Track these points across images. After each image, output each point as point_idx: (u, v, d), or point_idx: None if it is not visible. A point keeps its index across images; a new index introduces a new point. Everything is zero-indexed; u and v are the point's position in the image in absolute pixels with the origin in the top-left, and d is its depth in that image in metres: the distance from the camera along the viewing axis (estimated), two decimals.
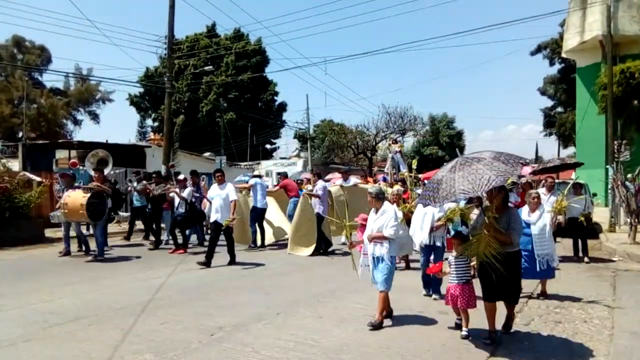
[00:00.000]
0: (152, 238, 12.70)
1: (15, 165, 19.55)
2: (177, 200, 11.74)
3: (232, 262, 9.99)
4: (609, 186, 16.20)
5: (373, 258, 5.76)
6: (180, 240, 11.93)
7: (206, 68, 36.15)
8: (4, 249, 11.71)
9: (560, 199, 9.12)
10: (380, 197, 5.89)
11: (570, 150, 38.22)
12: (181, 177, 12.18)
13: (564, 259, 10.30)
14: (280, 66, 59.30)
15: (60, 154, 23.61)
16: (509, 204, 7.42)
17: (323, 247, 11.77)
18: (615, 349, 5.00)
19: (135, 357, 4.67)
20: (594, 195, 15.79)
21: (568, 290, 7.67)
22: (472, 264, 5.37)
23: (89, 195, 10.46)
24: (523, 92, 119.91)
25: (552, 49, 37.25)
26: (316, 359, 4.67)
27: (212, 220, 10.11)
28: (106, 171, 12.78)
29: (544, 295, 7.20)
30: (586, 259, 10.44)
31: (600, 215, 15.89)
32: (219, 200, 9.89)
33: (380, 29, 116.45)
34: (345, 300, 6.98)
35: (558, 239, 12.45)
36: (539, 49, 39.17)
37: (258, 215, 12.45)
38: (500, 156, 4.67)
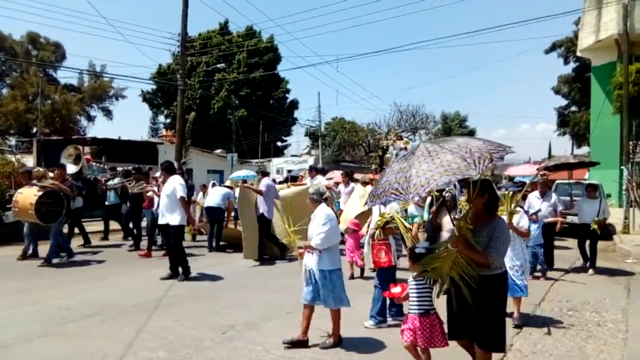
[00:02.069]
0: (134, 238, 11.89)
1: (29, 160, 19.76)
2: (156, 199, 10.47)
3: (173, 276, 8.28)
4: (624, 187, 16.03)
5: (306, 270, 5.02)
6: (159, 242, 11.27)
7: (218, 65, 36.36)
8: (14, 245, 11.50)
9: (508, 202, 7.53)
10: (316, 199, 5.13)
11: (584, 149, 37.84)
12: (157, 174, 11.13)
13: (568, 270, 9.58)
14: (292, 64, 59.37)
15: None
16: (503, 211, 7.09)
17: (279, 253, 10.58)
18: (630, 353, 4.96)
19: (148, 354, 4.71)
20: (608, 196, 15.65)
21: (581, 293, 7.62)
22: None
23: (40, 194, 9.26)
24: (536, 91, 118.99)
25: (566, 47, 36.88)
26: (328, 358, 4.69)
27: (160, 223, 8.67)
28: (74, 169, 11.67)
29: (517, 319, 5.85)
30: (591, 271, 9.22)
31: (614, 216, 15.73)
32: (164, 200, 8.42)
33: (393, 27, 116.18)
34: (355, 300, 6.95)
35: (558, 242, 11.79)
36: (553, 48, 38.80)
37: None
38: (466, 146, 3.35)
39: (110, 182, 12.87)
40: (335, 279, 4.94)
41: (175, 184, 8.21)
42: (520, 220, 6.04)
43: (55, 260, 9.56)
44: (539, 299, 7.14)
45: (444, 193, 7.34)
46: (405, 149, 15.83)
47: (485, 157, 3.18)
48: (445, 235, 6.90)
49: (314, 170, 12.56)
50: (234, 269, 9.49)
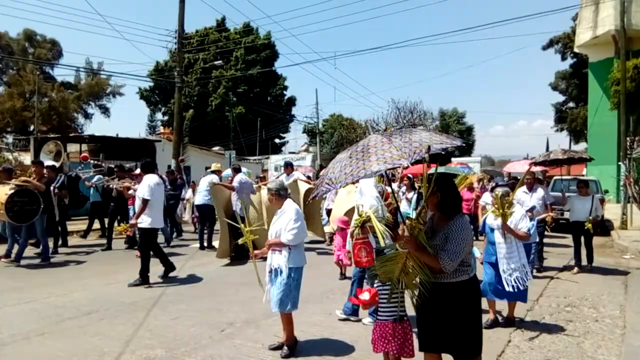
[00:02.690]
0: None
1: (27, 158, 19.70)
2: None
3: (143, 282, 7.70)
4: (621, 183, 16.05)
5: (270, 270, 4.74)
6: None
7: (216, 63, 36.28)
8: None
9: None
10: (282, 194, 4.86)
11: (582, 145, 37.91)
12: (137, 171, 10.72)
13: (563, 268, 9.31)
14: (290, 61, 59.29)
15: (72, 148, 23.78)
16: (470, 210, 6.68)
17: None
18: (627, 349, 4.96)
19: (146, 352, 4.71)
20: (606, 192, 15.67)
21: (579, 289, 7.63)
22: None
23: (11, 193, 8.86)
24: (534, 87, 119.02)
25: (564, 43, 36.87)
26: (327, 356, 4.69)
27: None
28: (47, 164, 11.14)
29: (509, 321, 5.74)
30: (590, 266, 9.19)
31: (612, 212, 15.77)
32: (137, 200, 8.18)
33: (390, 24, 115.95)
34: (341, 300, 6.98)
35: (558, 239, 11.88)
36: (550, 44, 38.78)
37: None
38: (409, 137, 3.09)
39: (88, 178, 12.37)
40: (298, 277, 4.73)
41: (143, 184, 7.82)
42: (520, 222, 5.66)
43: (25, 262, 9.37)
44: (536, 295, 7.15)
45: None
46: None
47: (423, 147, 2.91)
48: None
49: (289, 167, 12.06)
50: (231, 266, 9.47)
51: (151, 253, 7.88)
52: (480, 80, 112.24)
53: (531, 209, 8.64)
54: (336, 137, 45.85)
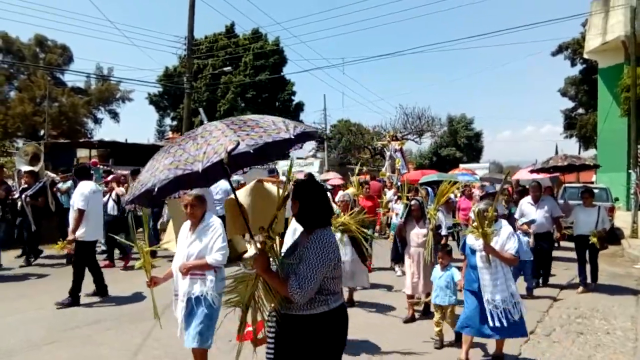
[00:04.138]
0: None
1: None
2: (110, 202, 9.92)
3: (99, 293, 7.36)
4: (632, 191, 15.90)
5: (188, 300, 3.96)
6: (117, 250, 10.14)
7: (225, 69, 36.40)
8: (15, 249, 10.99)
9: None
10: (202, 200, 4.00)
11: (591, 152, 37.60)
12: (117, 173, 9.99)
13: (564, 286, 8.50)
14: (298, 67, 59.43)
15: (81, 153, 23.94)
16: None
17: None
18: None
19: None
20: (616, 199, 15.52)
21: (589, 300, 7.55)
22: None
23: None
24: (542, 93, 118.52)
25: (573, 49, 36.65)
26: None
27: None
28: (27, 170, 10.30)
29: (497, 358, 4.93)
30: (594, 285, 8.32)
31: (623, 220, 15.62)
32: (71, 211, 7.11)
33: (399, 30, 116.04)
34: (364, 305, 6.94)
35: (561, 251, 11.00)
36: (560, 50, 38.57)
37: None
38: (210, 133, 2.52)
39: (61, 185, 11.12)
40: (219, 305, 3.93)
41: (76, 193, 6.99)
42: (506, 242, 4.65)
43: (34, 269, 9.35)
44: (546, 306, 7.09)
45: (410, 200, 6.67)
46: (401, 150, 14.78)
47: (217, 149, 2.33)
48: (413, 251, 6.37)
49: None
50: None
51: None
52: (489, 86, 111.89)
53: (529, 222, 8.05)
54: (344, 142, 45.83)
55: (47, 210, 10.28)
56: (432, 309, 5.82)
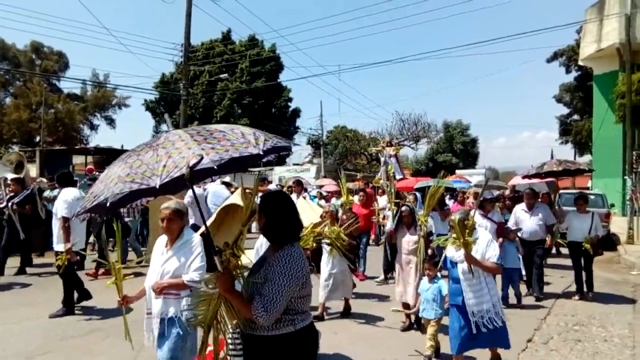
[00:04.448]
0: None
1: (33, 170, 19.78)
2: None
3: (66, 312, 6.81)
4: (627, 197, 15.96)
5: (162, 320, 3.65)
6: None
7: (222, 76, 36.48)
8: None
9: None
10: (181, 214, 3.70)
11: (587, 158, 37.76)
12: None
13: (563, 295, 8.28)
14: (295, 74, 59.36)
15: (77, 160, 23.92)
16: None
17: None
18: None
19: None
20: (612, 205, 15.57)
21: (586, 307, 7.55)
22: None
23: None
24: (537, 99, 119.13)
25: (568, 56, 36.84)
26: None
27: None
28: (13, 177, 10.20)
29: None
30: (591, 294, 8.16)
31: (619, 225, 15.66)
32: (54, 220, 6.87)
33: (395, 38, 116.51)
34: (356, 315, 6.92)
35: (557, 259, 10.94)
36: (555, 56, 38.77)
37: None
38: (172, 145, 2.35)
39: (48, 193, 11.06)
40: (191, 331, 3.60)
41: (59, 200, 6.72)
42: (487, 251, 4.49)
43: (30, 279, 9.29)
44: (544, 314, 7.08)
45: (400, 206, 6.46)
46: (396, 155, 14.57)
47: (178, 163, 2.16)
48: (404, 259, 6.25)
49: (300, 185, 10.34)
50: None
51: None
52: (484, 93, 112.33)
53: (516, 231, 8.00)
54: (340, 148, 45.89)
55: (36, 218, 10.14)
56: (423, 322, 5.66)
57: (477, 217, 7.36)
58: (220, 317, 2.72)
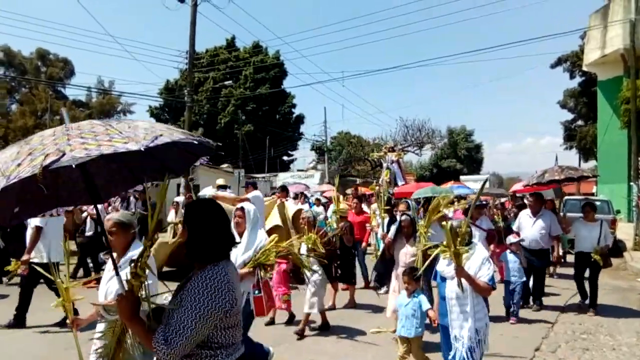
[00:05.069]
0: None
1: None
2: (89, 221, 9.91)
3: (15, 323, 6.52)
4: (633, 203, 15.89)
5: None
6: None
7: (226, 83, 36.63)
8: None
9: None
10: (125, 226, 3.29)
11: (592, 163, 37.67)
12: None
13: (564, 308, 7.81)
14: (299, 80, 59.70)
15: None
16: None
17: None
18: None
19: None
20: (618, 212, 15.49)
21: (594, 315, 7.48)
22: None
23: None
24: (541, 104, 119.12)
25: (572, 61, 36.83)
26: None
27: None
28: None
29: None
30: (591, 312, 7.46)
31: (624, 231, 15.57)
32: (28, 230, 6.76)
33: (399, 44, 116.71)
34: (362, 323, 6.90)
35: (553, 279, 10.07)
36: (559, 62, 38.75)
37: None
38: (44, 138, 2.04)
39: None
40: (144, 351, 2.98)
41: None
42: (480, 269, 3.93)
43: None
44: (551, 322, 7.04)
45: (399, 215, 6.21)
46: (398, 162, 14.29)
47: (35, 161, 1.80)
48: (400, 272, 5.58)
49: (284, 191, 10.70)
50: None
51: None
52: (489, 99, 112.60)
53: (517, 243, 7.45)
54: (344, 154, 45.94)
55: (19, 226, 9.96)
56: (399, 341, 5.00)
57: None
58: (127, 348, 2.36)
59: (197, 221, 2.20)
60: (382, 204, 7.75)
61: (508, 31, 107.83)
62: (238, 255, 4.27)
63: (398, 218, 6.86)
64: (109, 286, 3.23)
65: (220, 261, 2.15)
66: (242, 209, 4.54)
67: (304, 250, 5.92)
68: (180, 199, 10.63)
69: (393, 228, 6.42)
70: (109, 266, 3.28)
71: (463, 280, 3.81)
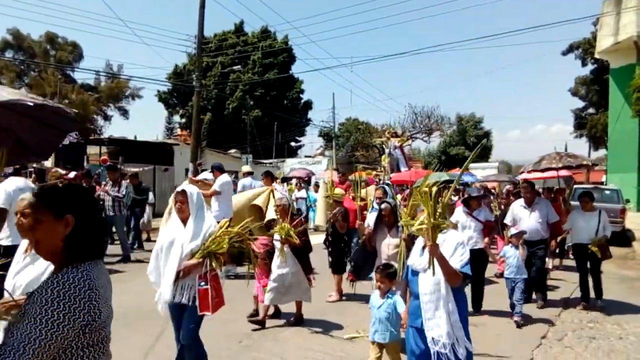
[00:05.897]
0: None
1: (48, 161, 19.97)
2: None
3: None
4: None
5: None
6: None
7: (234, 68, 36.57)
8: None
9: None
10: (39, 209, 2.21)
11: (602, 152, 37.38)
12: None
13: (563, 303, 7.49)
14: (308, 65, 59.35)
15: (91, 150, 24.11)
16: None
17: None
18: None
19: None
20: (627, 201, 15.39)
21: (602, 303, 7.46)
22: None
23: None
24: (553, 92, 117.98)
25: (584, 49, 36.39)
26: None
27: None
28: None
29: None
30: (600, 302, 7.22)
31: (633, 221, 15.49)
32: None
33: (408, 30, 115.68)
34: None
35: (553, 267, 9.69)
36: (570, 49, 38.31)
37: None
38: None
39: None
40: None
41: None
42: (454, 254, 3.50)
43: None
44: (558, 310, 7.04)
45: (376, 204, 5.75)
46: (401, 147, 13.91)
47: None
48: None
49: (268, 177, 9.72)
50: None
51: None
52: (498, 85, 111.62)
53: (518, 234, 6.90)
54: (352, 141, 45.83)
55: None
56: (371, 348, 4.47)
57: (461, 215, 6.93)
58: None
59: (84, 212, 1.80)
60: (358, 191, 6.70)
61: (520, 18, 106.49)
62: (184, 244, 3.93)
63: (376, 206, 6.35)
64: (17, 280, 2.83)
65: (85, 262, 1.75)
66: (183, 192, 4.07)
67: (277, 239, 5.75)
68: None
69: (372, 216, 5.81)
70: (17, 257, 2.92)
71: (435, 263, 3.34)
